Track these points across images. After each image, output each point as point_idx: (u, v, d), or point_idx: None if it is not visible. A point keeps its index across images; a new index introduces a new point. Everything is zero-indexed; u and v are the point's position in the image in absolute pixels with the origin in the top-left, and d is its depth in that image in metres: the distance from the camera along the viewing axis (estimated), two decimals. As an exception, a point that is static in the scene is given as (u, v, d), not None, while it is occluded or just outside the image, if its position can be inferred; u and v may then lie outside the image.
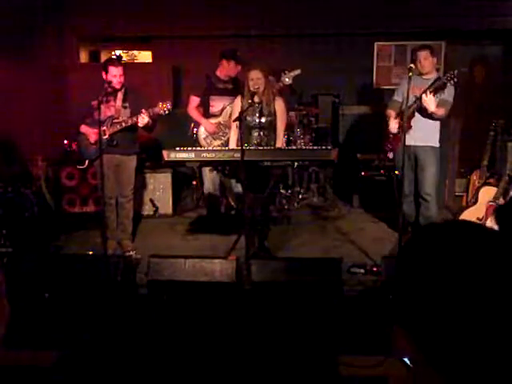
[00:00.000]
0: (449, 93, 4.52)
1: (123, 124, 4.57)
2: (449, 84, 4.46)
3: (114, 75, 4.49)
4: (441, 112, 4.49)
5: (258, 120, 4.43)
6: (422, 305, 0.77)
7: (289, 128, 6.16)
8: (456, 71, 4.36)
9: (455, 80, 4.37)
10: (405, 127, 4.23)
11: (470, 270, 0.74)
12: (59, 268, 3.69)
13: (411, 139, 4.48)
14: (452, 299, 0.74)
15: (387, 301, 3.31)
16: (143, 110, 4.45)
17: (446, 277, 0.75)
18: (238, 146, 4.48)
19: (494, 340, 0.73)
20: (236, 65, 5.33)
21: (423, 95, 4.41)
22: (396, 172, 4.98)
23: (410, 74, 4.21)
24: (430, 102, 4.41)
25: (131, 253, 4.74)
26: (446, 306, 0.74)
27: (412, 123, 4.58)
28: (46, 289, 3.53)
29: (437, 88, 4.42)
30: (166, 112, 4.49)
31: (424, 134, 4.62)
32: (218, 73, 5.36)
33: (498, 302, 0.73)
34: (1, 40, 5.57)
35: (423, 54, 4.57)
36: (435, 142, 4.68)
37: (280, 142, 4.57)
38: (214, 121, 5.35)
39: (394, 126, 4.74)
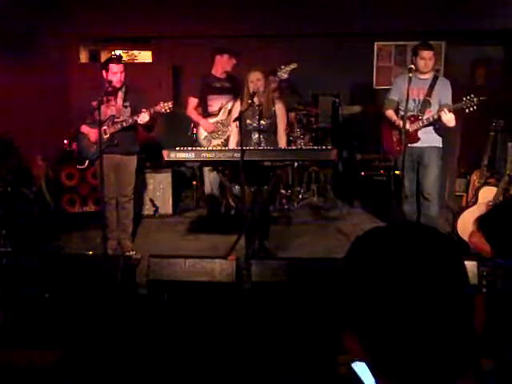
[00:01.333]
0: (448, 93, 4.52)
1: (124, 123, 4.56)
2: (446, 87, 4.42)
3: (115, 72, 4.47)
4: (454, 121, 4.38)
5: (257, 123, 4.41)
6: (362, 308, 0.79)
7: (289, 127, 6.17)
8: (476, 99, 4.23)
9: (475, 108, 4.26)
10: (404, 130, 4.23)
11: (400, 274, 0.76)
12: (59, 268, 3.69)
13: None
14: (385, 303, 0.76)
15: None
16: (144, 109, 4.44)
17: (380, 281, 0.77)
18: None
19: (422, 337, 0.75)
20: (230, 58, 5.30)
21: (442, 113, 4.29)
22: (397, 172, 4.97)
23: (410, 74, 4.21)
24: (451, 119, 4.31)
25: (131, 253, 4.74)
26: (382, 309, 0.77)
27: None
28: (46, 289, 3.53)
29: (456, 110, 4.32)
30: (168, 111, 4.48)
31: (429, 136, 4.58)
32: (213, 72, 5.35)
33: (426, 306, 0.75)
34: (1, 40, 5.57)
35: (429, 54, 4.46)
36: (439, 143, 4.66)
37: (283, 144, 4.57)
38: (212, 120, 5.35)
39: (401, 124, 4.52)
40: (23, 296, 3.53)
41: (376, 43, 7.25)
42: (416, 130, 4.51)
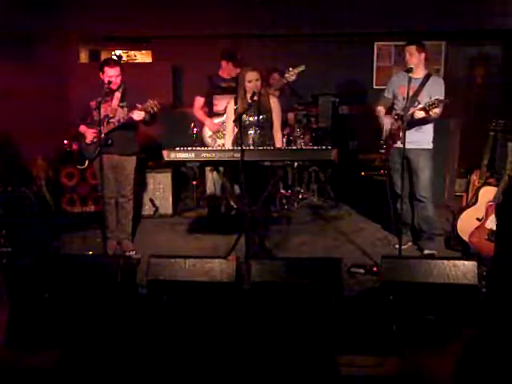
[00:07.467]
0: (440, 91, 4.39)
1: (116, 122, 4.54)
2: (437, 85, 4.40)
3: (110, 76, 4.46)
4: (439, 111, 4.31)
5: (255, 118, 4.45)
6: None
7: (289, 128, 6.17)
8: (436, 100, 4.17)
9: (434, 111, 4.22)
10: (404, 128, 4.18)
11: None
12: (59, 268, 3.69)
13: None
14: None
15: (387, 301, 3.31)
16: (138, 106, 4.40)
17: None
18: (232, 146, 4.52)
19: None
20: (234, 67, 5.35)
21: (415, 113, 4.26)
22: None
23: (410, 74, 4.21)
24: (421, 116, 4.28)
25: (131, 253, 4.74)
26: None
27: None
28: (46, 289, 3.53)
29: (424, 109, 4.25)
30: (155, 109, 4.40)
31: (417, 137, 4.45)
32: (220, 73, 5.45)
33: None
34: (1, 40, 5.57)
35: (409, 49, 4.42)
36: (428, 144, 4.54)
37: (279, 141, 4.57)
38: (217, 120, 5.39)
39: (386, 121, 4.63)
40: (23, 296, 3.53)
41: (376, 43, 7.26)
42: (398, 129, 4.42)
